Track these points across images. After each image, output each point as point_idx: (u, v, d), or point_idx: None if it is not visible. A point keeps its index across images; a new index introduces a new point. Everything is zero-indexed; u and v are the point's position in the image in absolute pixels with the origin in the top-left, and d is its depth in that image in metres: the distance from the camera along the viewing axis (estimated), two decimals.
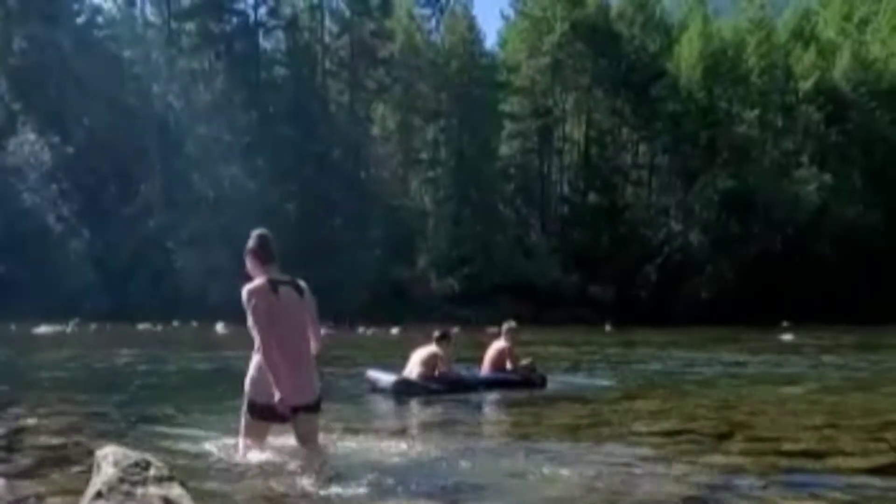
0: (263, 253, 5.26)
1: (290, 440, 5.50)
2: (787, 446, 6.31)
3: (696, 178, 50.13)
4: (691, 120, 51.88)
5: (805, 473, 5.35)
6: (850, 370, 15.12)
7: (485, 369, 10.91)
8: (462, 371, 10.90)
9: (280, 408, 5.06)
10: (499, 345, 10.93)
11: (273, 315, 5.08)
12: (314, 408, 5.37)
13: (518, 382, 10.66)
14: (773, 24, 56.88)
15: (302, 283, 5.38)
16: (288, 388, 5.04)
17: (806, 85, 53.67)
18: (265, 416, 5.20)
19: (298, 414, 5.24)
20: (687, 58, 52.03)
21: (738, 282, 46.46)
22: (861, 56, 54.68)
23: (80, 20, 42.99)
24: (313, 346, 5.38)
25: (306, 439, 5.42)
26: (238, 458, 5.33)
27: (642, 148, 55.16)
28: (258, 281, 5.17)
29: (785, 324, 35.07)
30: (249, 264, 5.30)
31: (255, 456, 5.27)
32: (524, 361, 11.09)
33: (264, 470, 5.05)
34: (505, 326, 11.02)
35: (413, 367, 10.22)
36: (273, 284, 5.15)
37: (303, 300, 5.31)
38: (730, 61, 53.01)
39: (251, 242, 5.27)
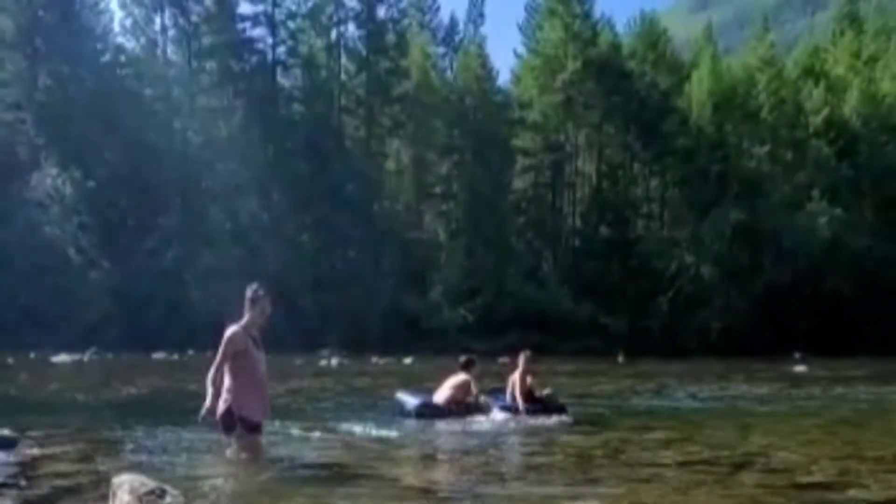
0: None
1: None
2: (802, 478, 6.34)
3: (708, 211, 50.18)
4: (702, 155, 52.03)
5: None
6: (865, 402, 15.15)
7: (508, 398, 11.09)
8: (488, 400, 11.07)
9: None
10: (515, 376, 11.17)
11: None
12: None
13: (539, 410, 10.88)
14: (782, 63, 57.41)
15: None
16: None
17: (816, 120, 53.86)
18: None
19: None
20: (697, 95, 52.44)
21: (750, 314, 46.36)
22: (870, 92, 54.90)
23: (103, 59, 44.05)
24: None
25: None
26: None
27: (653, 182, 55.54)
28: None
29: (797, 355, 35.00)
30: None
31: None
32: (545, 391, 11.38)
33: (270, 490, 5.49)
34: (521, 357, 11.29)
35: (443, 392, 10.56)
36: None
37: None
38: (740, 98, 53.36)
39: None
